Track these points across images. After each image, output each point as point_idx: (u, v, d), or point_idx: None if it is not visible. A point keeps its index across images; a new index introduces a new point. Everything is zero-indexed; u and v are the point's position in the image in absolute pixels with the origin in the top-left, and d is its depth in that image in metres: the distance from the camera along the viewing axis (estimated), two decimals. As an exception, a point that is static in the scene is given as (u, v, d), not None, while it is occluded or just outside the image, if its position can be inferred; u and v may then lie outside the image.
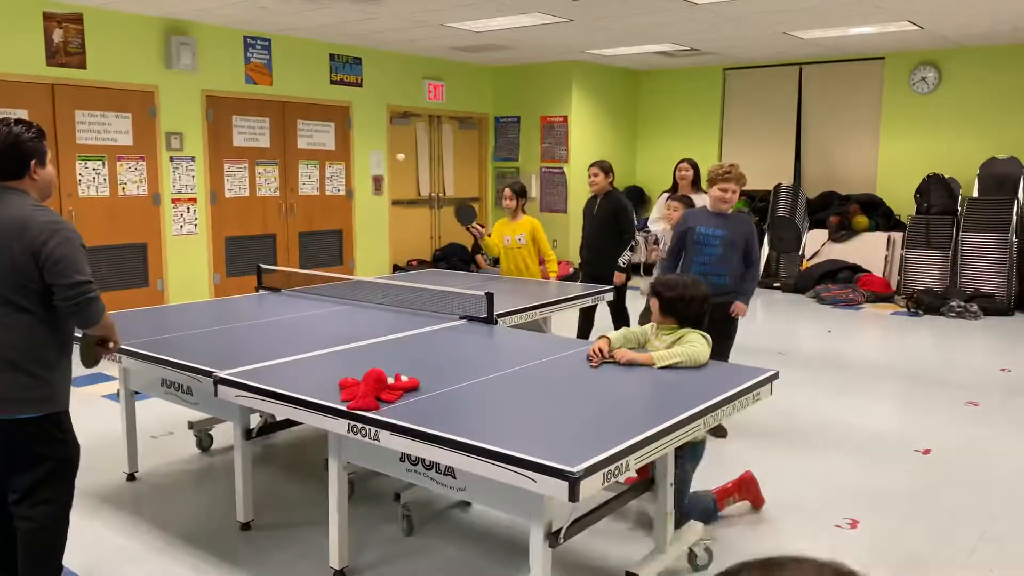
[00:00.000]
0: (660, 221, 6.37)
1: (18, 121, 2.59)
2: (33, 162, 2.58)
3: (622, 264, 5.88)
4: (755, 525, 3.54)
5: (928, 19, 7.85)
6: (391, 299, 4.71)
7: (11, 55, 6.92)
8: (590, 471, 2.14)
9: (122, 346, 3.37)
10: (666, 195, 6.46)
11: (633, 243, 5.93)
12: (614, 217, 5.95)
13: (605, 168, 6.05)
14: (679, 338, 3.26)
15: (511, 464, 2.21)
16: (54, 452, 2.62)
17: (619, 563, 3.18)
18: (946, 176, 9.47)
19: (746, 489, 3.60)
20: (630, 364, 3.17)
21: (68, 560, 3.14)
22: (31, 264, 2.47)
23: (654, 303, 3.34)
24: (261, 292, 5.09)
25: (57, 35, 7.16)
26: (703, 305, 3.31)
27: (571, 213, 10.76)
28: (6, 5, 6.87)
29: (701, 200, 6.26)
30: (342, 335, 3.75)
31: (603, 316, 6.19)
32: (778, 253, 10.59)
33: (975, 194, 9.25)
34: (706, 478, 3.63)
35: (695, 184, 6.32)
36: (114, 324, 2.75)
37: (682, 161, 6.41)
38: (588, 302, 5.28)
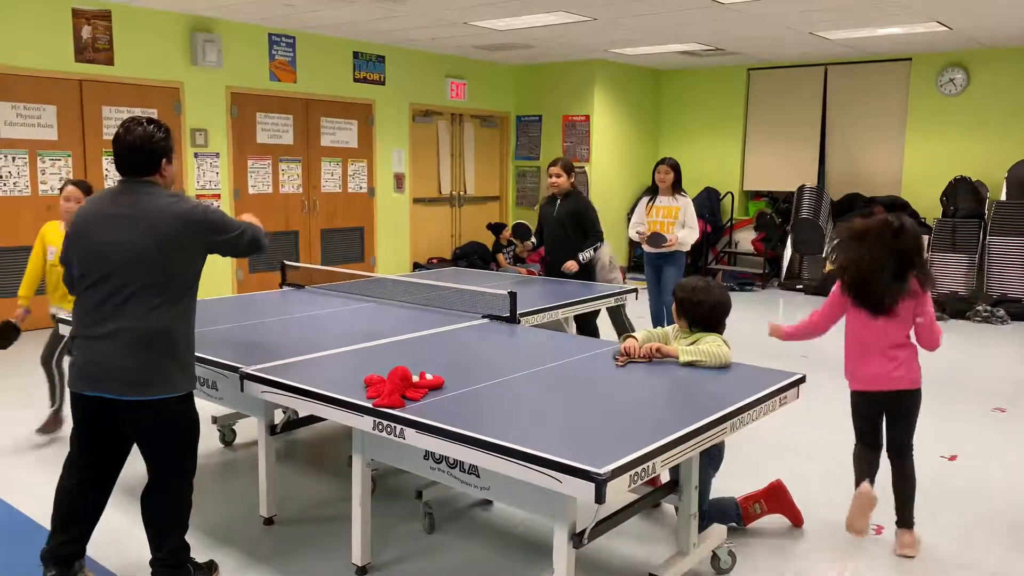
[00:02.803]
0: (639, 225, 6.35)
1: (150, 121, 2.80)
2: (164, 160, 2.79)
3: (582, 259, 5.65)
4: (779, 530, 3.51)
5: (957, 20, 7.75)
6: (414, 297, 4.72)
7: (40, 51, 7.01)
8: (617, 473, 2.13)
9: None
10: (646, 198, 6.44)
11: (599, 243, 5.73)
12: (576, 217, 5.70)
13: (567, 168, 5.79)
14: (698, 341, 3.25)
15: (537, 464, 2.21)
16: (189, 427, 2.87)
17: (642, 565, 3.16)
18: (973, 179, 9.36)
19: (775, 499, 3.52)
20: (656, 354, 3.19)
21: (92, 551, 3.18)
22: (201, 247, 2.76)
23: (675, 306, 3.34)
24: (285, 288, 5.11)
25: (85, 32, 7.24)
26: (717, 309, 3.29)
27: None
28: (36, 2, 6.95)
29: (681, 202, 6.22)
30: (366, 332, 3.76)
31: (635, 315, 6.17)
32: (801, 255, 10.50)
33: (1003, 197, 9.13)
34: (733, 485, 3.60)
35: (675, 186, 6.26)
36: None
37: (660, 163, 6.32)
38: (611, 302, 5.26)
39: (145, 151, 2.74)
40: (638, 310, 6.36)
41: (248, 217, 3.06)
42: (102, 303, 2.67)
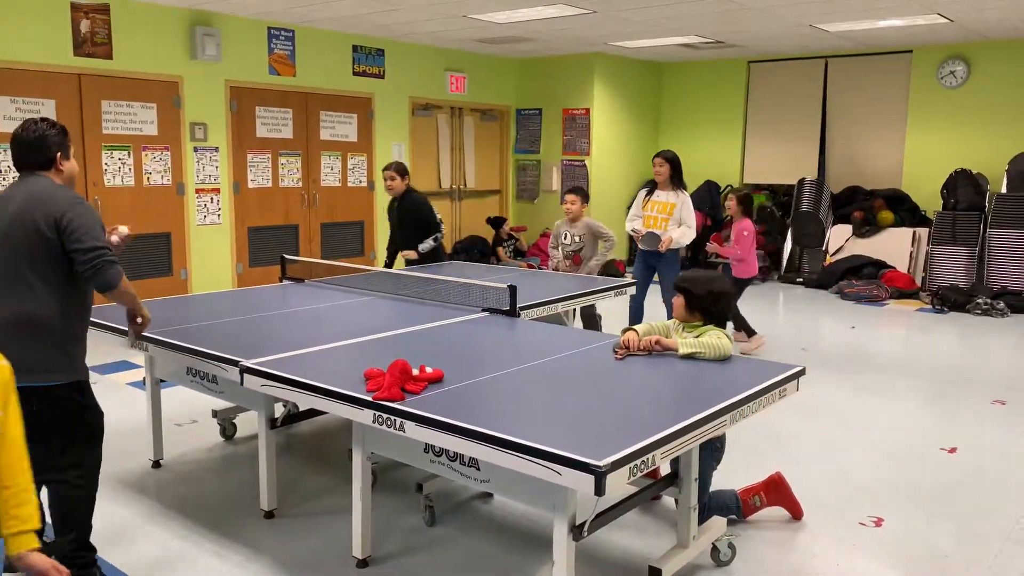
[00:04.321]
0: (636, 219, 6.26)
1: (44, 119, 2.91)
2: (59, 155, 2.88)
3: (421, 249, 6.04)
4: (779, 522, 3.51)
5: (958, 12, 7.73)
6: (413, 290, 4.72)
7: (39, 45, 6.99)
8: (616, 465, 2.13)
9: (148, 334, 3.41)
10: (643, 191, 6.34)
11: (439, 235, 6.11)
12: (415, 216, 6.10)
13: (400, 171, 6.09)
14: (700, 334, 3.25)
15: (537, 457, 2.21)
16: (80, 418, 2.83)
17: (641, 557, 3.17)
18: (974, 172, 9.34)
19: (775, 491, 3.52)
20: (656, 347, 3.19)
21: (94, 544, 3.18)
22: (54, 234, 2.68)
23: (678, 299, 3.32)
24: (285, 282, 5.11)
25: (84, 25, 7.22)
26: (723, 300, 3.29)
27: (592, 206, 10.69)
28: (34, -5, 6.93)
29: (679, 198, 6.10)
30: (365, 326, 3.76)
31: (611, 308, 6.16)
32: (801, 248, 10.50)
33: (1003, 190, 9.12)
34: (733, 477, 3.61)
35: (673, 180, 6.12)
36: (136, 296, 2.97)
37: (656, 156, 6.20)
38: (611, 295, 5.26)
39: (40, 147, 2.83)
40: (621, 305, 6.28)
41: (115, 238, 3.03)
42: None
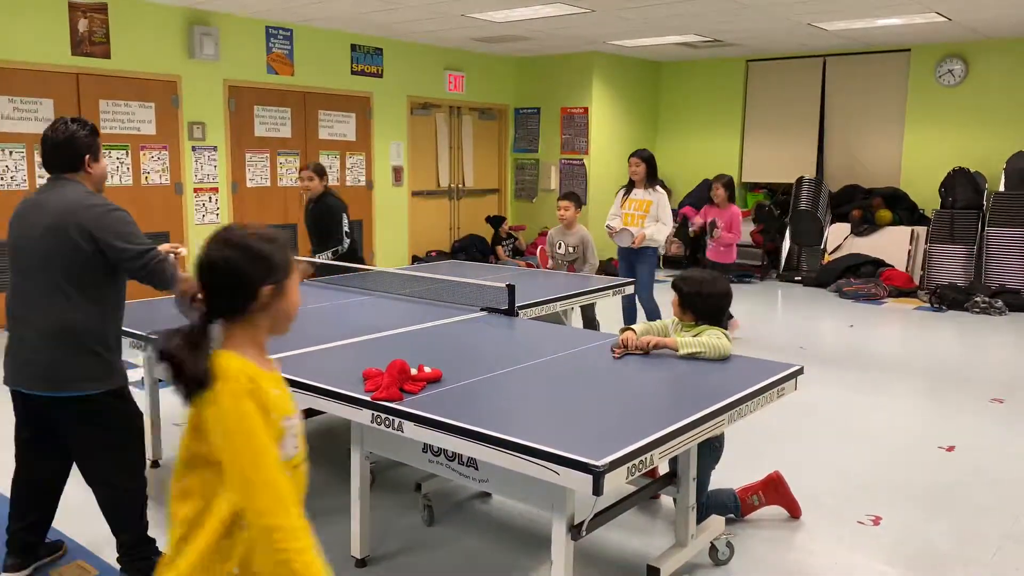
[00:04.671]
0: (616, 218, 6.30)
1: (75, 120, 2.84)
2: (87, 156, 2.81)
3: (318, 259, 5.54)
4: (777, 521, 3.52)
5: (956, 10, 7.74)
6: (412, 290, 4.72)
7: (37, 44, 6.98)
8: (615, 465, 2.14)
9: (144, 334, 3.42)
10: (622, 191, 6.39)
11: (339, 248, 5.61)
12: (319, 220, 5.72)
13: (319, 171, 5.75)
14: (698, 333, 3.25)
15: (535, 457, 2.21)
16: (122, 422, 2.85)
17: (640, 556, 3.17)
18: (972, 170, 9.35)
19: (773, 490, 3.52)
20: (655, 348, 3.19)
21: (93, 544, 3.18)
22: (91, 246, 2.66)
23: (674, 299, 3.33)
24: (283, 282, 5.09)
25: (82, 25, 7.22)
26: (721, 301, 3.29)
27: (591, 205, 10.71)
28: (32, -5, 6.93)
29: (655, 196, 6.15)
30: (364, 325, 3.76)
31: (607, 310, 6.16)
32: (800, 246, 10.50)
33: (1001, 189, 9.13)
34: (731, 476, 3.61)
35: (650, 179, 6.18)
36: (190, 278, 2.89)
37: (632, 156, 6.26)
38: (609, 295, 5.26)
39: (69, 148, 2.78)
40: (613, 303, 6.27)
41: (167, 247, 2.98)
42: (19, 296, 2.74)
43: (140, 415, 2.94)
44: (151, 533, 2.99)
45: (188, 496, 1.60)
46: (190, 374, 1.54)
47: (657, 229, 6.09)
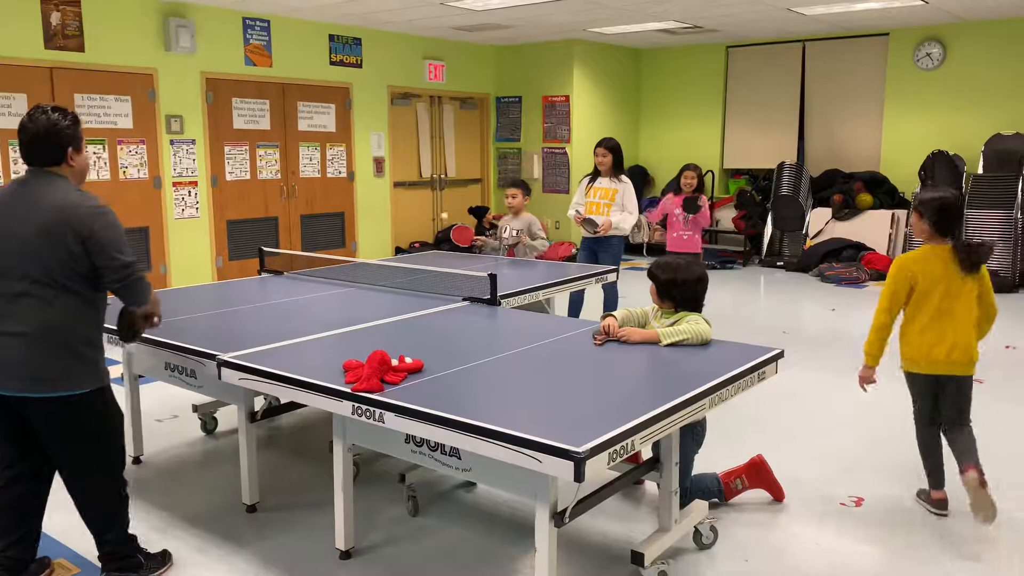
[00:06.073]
0: (578, 206, 6.31)
1: (55, 108, 2.70)
2: (70, 149, 2.70)
3: None
4: (760, 504, 3.54)
5: (933, -6, 7.77)
6: (394, 281, 4.70)
7: (9, 38, 6.88)
8: (595, 451, 2.14)
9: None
10: (586, 179, 6.39)
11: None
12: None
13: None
14: (677, 320, 3.26)
15: (516, 444, 2.21)
16: (104, 423, 2.79)
17: (624, 542, 3.18)
18: (951, 153, 9.41)
19: (756, 474, 3.54)
20: (637, 343, 3.17)
21: (74, 543, 3.16)
22: (79, 248, 2.59)
23: (652, 286, 3.33)
24: (263, 275, 5.08)
25: (55, 18, 7.11)
26: (698, 287, 3.29)
27: (573, 193, 10.69)
28: (2, -12, 6.82)
29: (620, 185, 6.14)
30: (345, 317, 3.74)
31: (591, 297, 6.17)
32: (782, 232, 10.55)
33: (980, 171, 9.20)
34: (714, 461, 3.63)
35: (616, 168, 6.17)
36: (159, 299, 2.90)
37: (598, 145, 6.25)
38: (592, 282, 5.26)
39: (51, 140, 2.66)
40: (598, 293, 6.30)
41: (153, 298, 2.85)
42: (2, 296, 2.63)
43: (121, 415, 2.90)
44: (133, 530, 2.97)
45: None
46: None
47: (623, 218, 6.09)
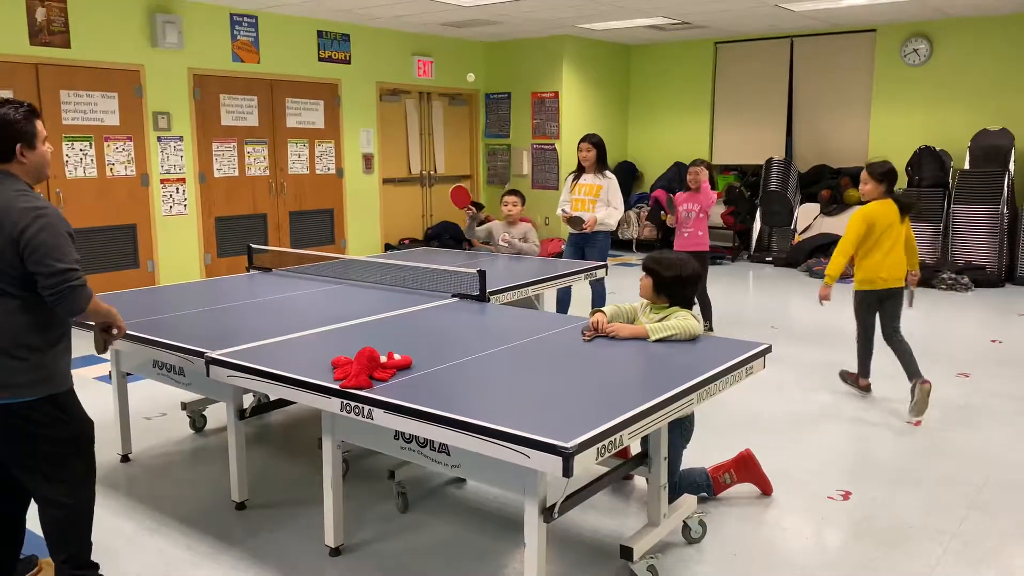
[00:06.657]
0: (564, 203, 6.29)
1: (6, 101, 2.53)
2: (19, 145, 2.52)
3: None
4: (749, 498, 3.56)
5: (920, -10, 7.80)
6: (383, 278, 4.70)
7: (-7, 34, 6.83)
8: (584, 446, 2.15)
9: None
10: (571, 176, 6.39)
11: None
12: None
13: None
14: (667, 316, 3.27)
15: (505, 440, 2.22)
16: (58, 432, 2.57)
17: (613, 537, 3.20)
18: (937, 148, 9.46)
19: (744, 468, 3.56)
20: (626, 339, 3.18)
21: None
22: (12, 251, 2.42)
23: (646, 281, 3.33)
24: (252, 272, 5.06)
25: (40, 13, 7.06)
26: (691, 280, 3.31)
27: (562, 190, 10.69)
28: (-13, -17, 6.76)
29: (605, 181, 6.13)
30: (334, 314, 3.74)
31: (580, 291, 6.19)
32: (770, 227, 10.59)
33: (966, 166, 9.25)
34: (702, 455, 3.64)
35: (600, 164, 6.16)
36: (112, 310, 2.69)
37: (582, 140, 6.22)
38: (581, 279, 5.27)
39: None
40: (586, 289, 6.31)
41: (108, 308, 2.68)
42: None
43: (86, 422, 2.67)
44: (122, 528, 2.95)
45: None
46: None
47: (608, 213, 6.09)
